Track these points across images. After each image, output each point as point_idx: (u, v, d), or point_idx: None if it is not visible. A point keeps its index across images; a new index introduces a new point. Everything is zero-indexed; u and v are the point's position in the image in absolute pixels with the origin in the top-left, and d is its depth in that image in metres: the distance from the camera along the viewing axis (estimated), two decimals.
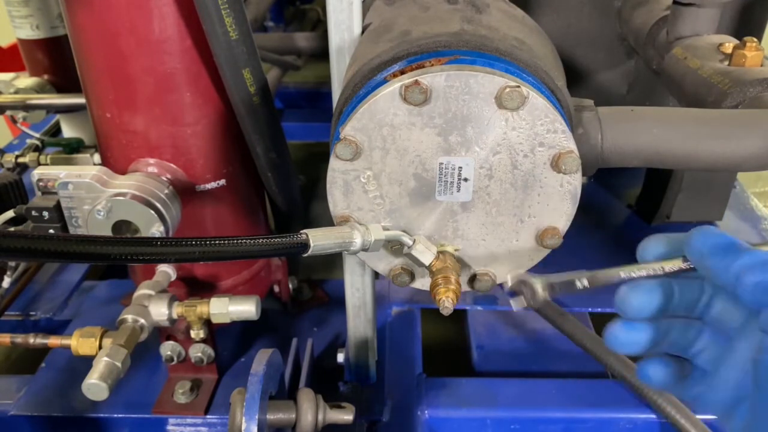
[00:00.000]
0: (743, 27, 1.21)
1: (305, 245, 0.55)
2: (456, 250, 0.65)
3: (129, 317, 0.87)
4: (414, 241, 0.62)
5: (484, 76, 0.56)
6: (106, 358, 0.81)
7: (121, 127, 0.92)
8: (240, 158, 1.00)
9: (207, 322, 0.94)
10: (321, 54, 1.73)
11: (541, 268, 0.68)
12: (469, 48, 0.61)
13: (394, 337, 1.15)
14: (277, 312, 1.21)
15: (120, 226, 0.87)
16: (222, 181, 0.99)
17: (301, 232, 0.55)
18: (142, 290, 0.92)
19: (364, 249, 0.60)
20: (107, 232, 0.87)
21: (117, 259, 0.48)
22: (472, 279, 0.68)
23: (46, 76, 1.44)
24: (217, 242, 0.52)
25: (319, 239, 0.56)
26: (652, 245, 0.51)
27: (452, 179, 0.61)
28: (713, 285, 0.49)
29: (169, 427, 0.99)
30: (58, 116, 1.55)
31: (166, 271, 1.00)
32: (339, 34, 0.75)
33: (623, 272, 0.50)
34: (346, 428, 0.88)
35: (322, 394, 0.87)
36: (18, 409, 1.00)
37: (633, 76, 1.36)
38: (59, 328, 1.18)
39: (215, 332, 1.00)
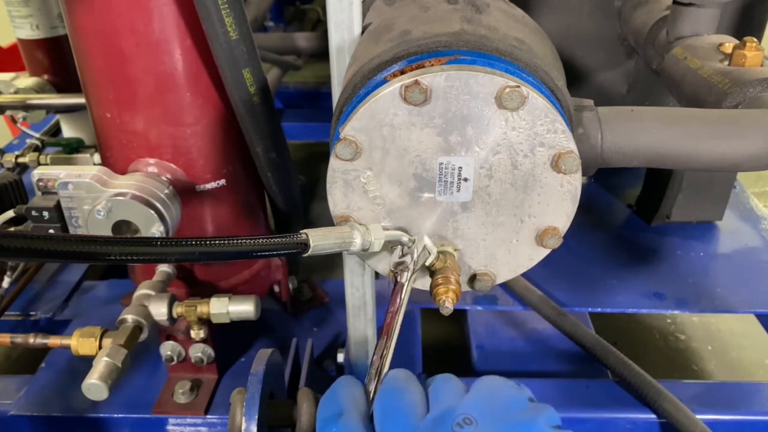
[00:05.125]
0: (743, 27, 1.21)
1: (305, 245, 0.55)
2: (456, 250, 0.65)
3: (129, 317, 0.87)
4: (414, 241, 0.62)
5: (484, 76, 0.56)
6: (106, 358, 0.81)
7: (121, 127, 0.92)
8: (240, 158, 1.00)
9: (207, 322, 0.94)
10: (321, 54, 1.73)
11: (541, 268, 0.68)
12: (469, 48, 0.61)
13: None
14: (276, 312, 1.21)
15: (120, 226, 0.87)
16: (222, 181, 0.99)
17: (301, 232, 0.55)
18: (142, 290, 0.92)
19: (364, 249, 0.60)
20: (107, 232, 0.87)
21: (117, 259, 0.48)
22: (472, 279, 0.68)
23: (46, 76, 1.44)
24: (217, 242, 0.52)
25: (319, 239, 0.56)
26: None
27: (452, 179, 0.61)
28: None
29: (169, 427, 0.99)
30: (58, 116, 1.55)
31: (166, 270, 1.00)
32: (339, 34, 0.75)
33: None
34: None
35: (322, 394, 0.86)
36: (18, 409, 1.00)
37: (633, 76, 1.36)
38: (59, 328, 1.18)
39: (215, 332, 1.00)
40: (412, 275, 0.62)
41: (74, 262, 1.19)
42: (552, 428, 0.48)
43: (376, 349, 0.61)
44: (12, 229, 0.92)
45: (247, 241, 0.53)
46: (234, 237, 0.52)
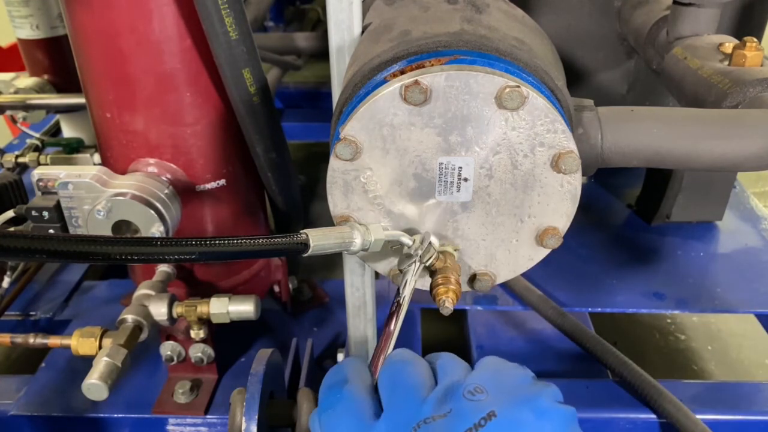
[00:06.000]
0: (743, 27, 1.21)
1: (305, 245, 0.55)
2: (456, 250, 0.65)
3: (129, 317, 0.87)
4: (414, 241, 0.62)
5: (484, 76, 0.56)
6: (106, 358, 0.81)
7: (121, 127, 0.92)
8: (240, 158, 1.00)
9: (207, 322, 0.94)
10: (321, 54, 1.73)
11: (541, 268, 0.68)
12: (469, 48, 0.61)
13: None
14: (277, 312, 1.21)
15: (120, 226, 0.87)
16: (222, 181, 0.99)
17: (301, 232, 0.55)
18: (142, 290, 0.93)
19: (364, 249, 0.60)
20: (107, 232, 0.87)
21: (117, 259, 0.48)
22: (472, 279, 0.68)
23: (46, 76, 1.44)
24: (217, 242, 0.52)
25: (319, 239, 0.56)
26: None
27: (452, 179, 0.61)
28: None
29: (169, 427, 0.99)
30: (58, 116, 1.55)
31: (166, 270, 1.00)
32: (339, 34, 0.75)
33: None
34: None
35: None
36: (18, 409, 1.00)
37: (633, 76, 1.36)
38: (59, 328, 1.18)
39: (215, 332, 1.00)
40: (418, 268, 0.62)
41: (74, 262, 1.19)
42: (557, 402, 0.50)
43: (380, 337, 0.61)
44: (12, 229, 0.92)
45: (247, 241, 0.53)
46: (234, 237, 0.52)
